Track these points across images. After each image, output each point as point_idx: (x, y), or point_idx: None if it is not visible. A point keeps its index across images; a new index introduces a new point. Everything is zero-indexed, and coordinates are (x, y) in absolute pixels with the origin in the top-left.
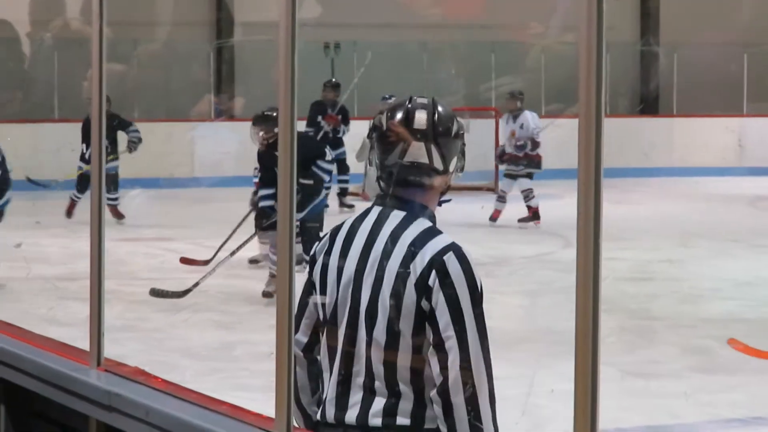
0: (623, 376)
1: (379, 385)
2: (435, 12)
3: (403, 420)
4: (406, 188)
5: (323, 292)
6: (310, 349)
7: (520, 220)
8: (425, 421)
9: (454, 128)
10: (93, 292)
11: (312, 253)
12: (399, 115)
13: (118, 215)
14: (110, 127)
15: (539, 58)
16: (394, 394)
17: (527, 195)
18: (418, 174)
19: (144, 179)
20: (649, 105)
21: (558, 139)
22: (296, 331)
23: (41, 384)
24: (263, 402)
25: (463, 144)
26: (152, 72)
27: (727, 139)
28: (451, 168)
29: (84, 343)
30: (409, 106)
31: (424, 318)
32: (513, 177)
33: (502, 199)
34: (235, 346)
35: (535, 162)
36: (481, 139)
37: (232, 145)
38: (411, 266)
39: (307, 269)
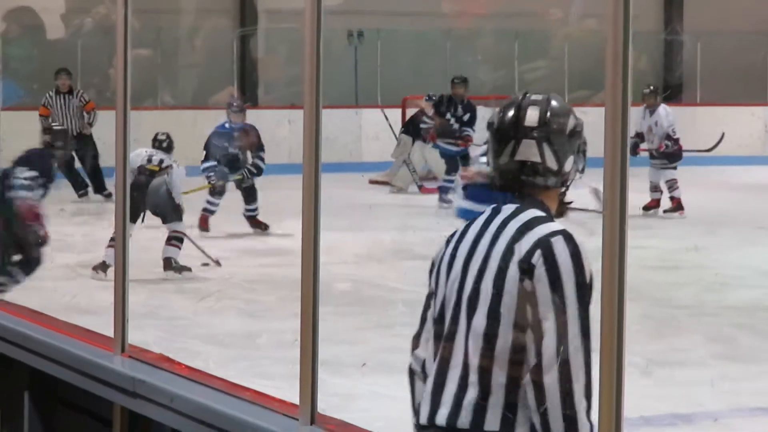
0: (647, 365)
1: (473, 378)
2: (459, 0)
3: (492, 424)
4: (519, 188)
5: (438, 297)
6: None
7: (665, 211)
8: (515, 428)
9: (569, 126)
10: (117, 279)
11: (431, 264)
12: (510, 112)
13: (259, 225)
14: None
15: (563, 46)
16: (486, 389)
17: (671, 186)
18: (530, 173)
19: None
20: (673, 93)
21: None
22: (416, 347)
23: (65, 370)
24: (286, 390)
25: (583, 143)
26: (176, 59)
27: (753, 128)
28: (567, 167)
29: (108, 330)
30: (522, 102)
31: (525, 300)
32: (658, 168)
33: (654, 189)
34: (259, 334)
35: (674, 155)
36: None
37: None
38: (516, 246)
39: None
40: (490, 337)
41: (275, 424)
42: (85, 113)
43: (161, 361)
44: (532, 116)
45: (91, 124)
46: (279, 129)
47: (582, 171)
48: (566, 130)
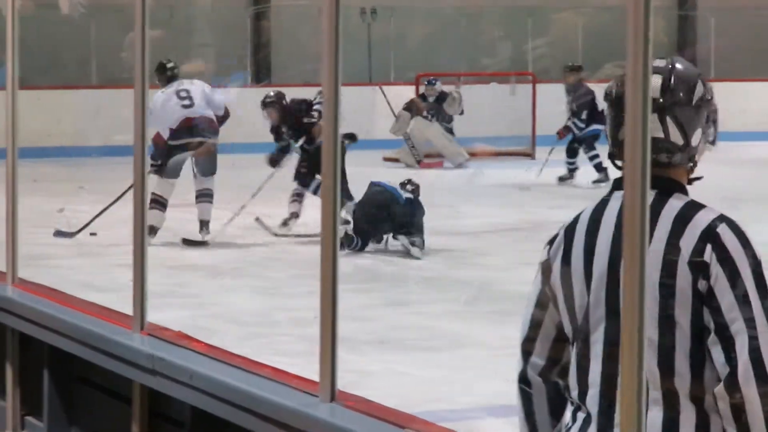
0: None
1: (655, 395)
2: None
3: None
4: None
5: (569, 300)
6: (549, 371)
7: None
8: None
9: (697, 94)
10: (136, 257)
11: (544, 259)
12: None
13: None
14: None
15: (576, 22)
16: (671, 406)
17: None
18: (654, 150)
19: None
20: None
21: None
22: (530, 353)
23: (85, 348)
24: (303, 367)
25: (713, 110)
26: (190, 38)
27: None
28: (695, 141)
29: (126, 309)
30: None
31: (702, 301)
32: None
33: None
34: (276, 312)
35: None
36: (518, 104)
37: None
38: (680, 244)
39: (536, 278)
40: (666, 347)
41: (295, 401)
42: None
43: (180, 339)
44: (653, 85)
45: None
46: None
47: (713, 143)
48: (693, 100)
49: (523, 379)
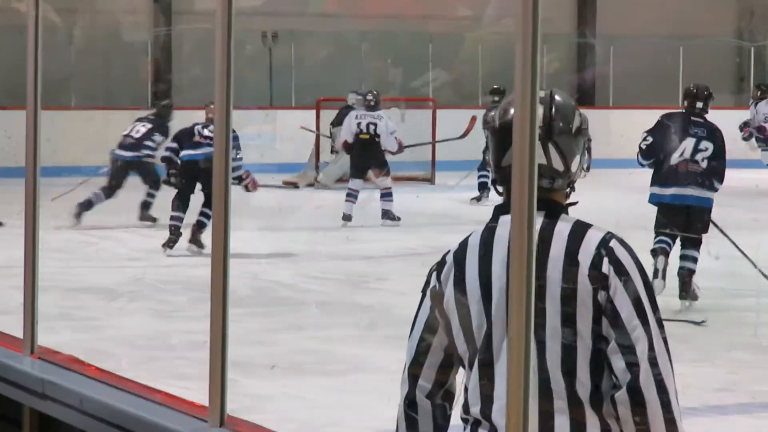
0: None
1: (560, 403)
2: (374, 2)
3: None
4: None
5: (465, 323)
6: (435, 394)
7: None
8: None
9: (575, 124)
10: (27, 280)
11: (430, 285)
12: (512, 110)
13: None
14: None
15: (476, 49)
16: (577, 414)
17: None
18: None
19: (81, 167)
20: (585, 96)
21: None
22: (418, 376)
23: None
24: (199, 391)
25: (588, 139)
26: (90, 59)
27: None
28: (574, 167)
29: (19, 331)
30: None
31: (600, 311)
32: None
33: None
34: (172, 335)
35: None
36: (418, 130)
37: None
38: (578, 258)
39: (424, 304)
40: (570, 357)
41: (185, 426)
42: None
43: (71, 363)
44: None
45: None
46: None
47: (587, 170)
48: (572, 128)
49: (410, 403)
